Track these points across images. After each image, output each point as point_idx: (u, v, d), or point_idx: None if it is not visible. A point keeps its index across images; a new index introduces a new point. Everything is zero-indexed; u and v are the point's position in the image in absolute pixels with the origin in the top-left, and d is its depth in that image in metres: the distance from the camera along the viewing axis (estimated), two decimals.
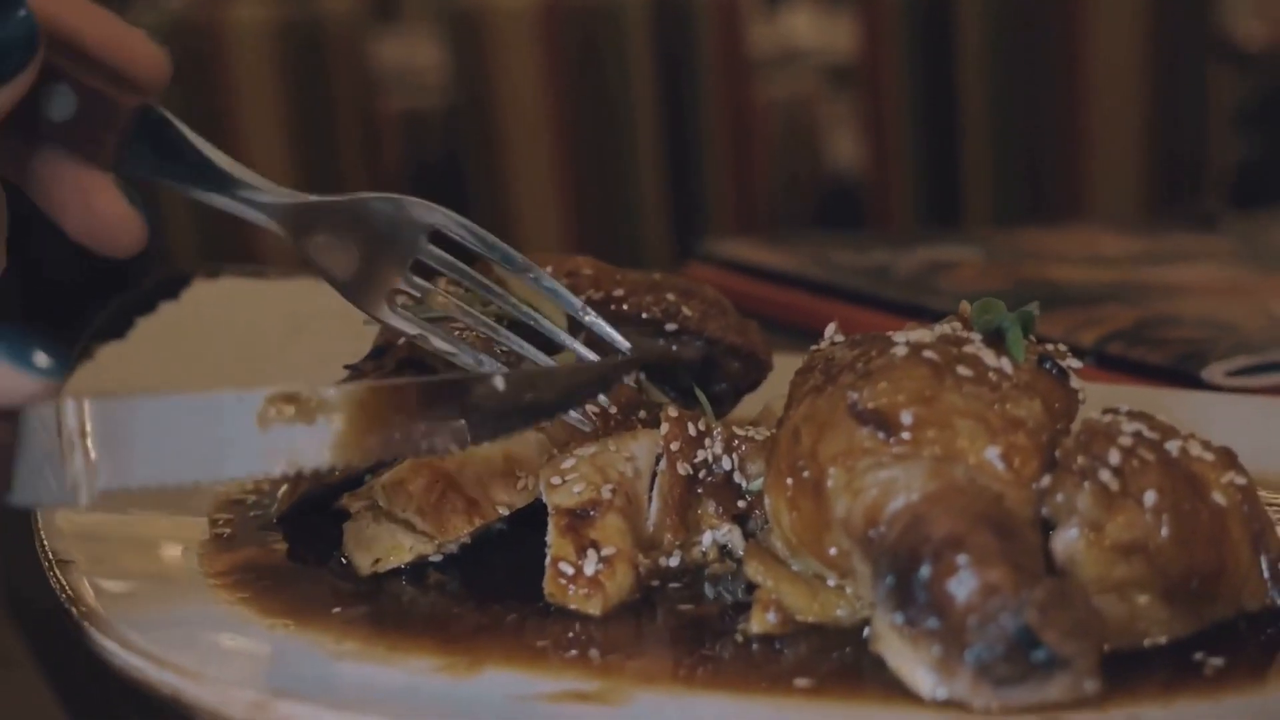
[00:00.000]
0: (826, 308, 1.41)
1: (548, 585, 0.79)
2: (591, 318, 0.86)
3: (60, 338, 0.80)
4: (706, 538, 0.82)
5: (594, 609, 0.78)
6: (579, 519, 0.80)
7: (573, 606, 0.78)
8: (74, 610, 0.75)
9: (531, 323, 0.85)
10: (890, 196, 2.70)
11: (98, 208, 0.78)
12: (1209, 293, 1.43)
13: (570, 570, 0.79)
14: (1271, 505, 0.90)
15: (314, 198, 0.83)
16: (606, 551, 0.79)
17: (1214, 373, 1.16)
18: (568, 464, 0.83)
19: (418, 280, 0.84)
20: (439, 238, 0.85)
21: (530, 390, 0.78)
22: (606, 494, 0.81)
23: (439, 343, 0.84)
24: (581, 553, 0.79)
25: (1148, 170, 2.64)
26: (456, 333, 0.85)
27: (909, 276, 1.51)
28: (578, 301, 0.86)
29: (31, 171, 0.79)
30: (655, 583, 0.81)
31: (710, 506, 0.83)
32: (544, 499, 0.82)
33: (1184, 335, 1.25)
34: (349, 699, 0.68)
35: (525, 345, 0.85)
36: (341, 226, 0.83)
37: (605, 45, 2.66)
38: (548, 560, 0.80)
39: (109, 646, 0.72)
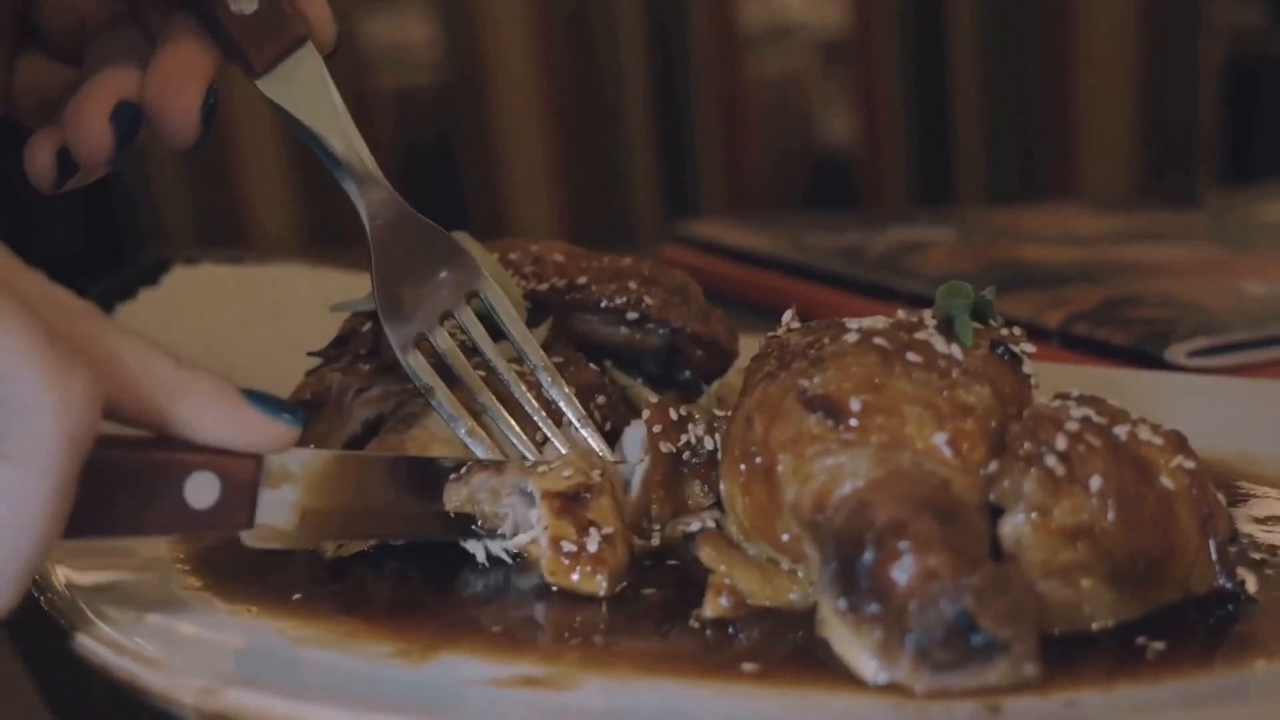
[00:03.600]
0: (799, 289, 1.42)
1: (548, 566, 0.80)
2: (584, 432, 0.86)
3: None
4: (694, 524, 0.83)
5: (599, 589, 0.79)
6: (572, 501, 0.81)
7: (576, 588, 0.79)
8: (41, 597, 0.76)
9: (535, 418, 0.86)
10: (882, 173, 2.70)
11: (175, 86, 0.81)
12: (1179, 271, 1.42)
13: (573, 548, 0.79)
14: (1228, 486, 0.91)
15: (403, 201, 0.85)
16: (606, 530, 0.80)
17: (1176, 353, 1.17)
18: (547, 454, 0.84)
19: (445, 336, 0.84)
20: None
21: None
22: (596, 477, 0.82)
23: (441, 404, 0.84)
24: (583, 531, 0.80)
25: (1139, 147, 2.64)
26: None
27: (880, 257, 1.51)
28: (576, 413, 0.86)
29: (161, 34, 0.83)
30: (647, 562, 0.82)
31: (696, 487, 0.84)
32: (528, 487, 0.82)
33: (1149, 315, 1.25)
34: (299, 685, 0.68)
35: (518, 436, 0.85)
36: (413, 242, 0.84)
37: (596, 22, 2.65)
38: (543, 542, 0.80)
39: (73, 632, 0.73)
